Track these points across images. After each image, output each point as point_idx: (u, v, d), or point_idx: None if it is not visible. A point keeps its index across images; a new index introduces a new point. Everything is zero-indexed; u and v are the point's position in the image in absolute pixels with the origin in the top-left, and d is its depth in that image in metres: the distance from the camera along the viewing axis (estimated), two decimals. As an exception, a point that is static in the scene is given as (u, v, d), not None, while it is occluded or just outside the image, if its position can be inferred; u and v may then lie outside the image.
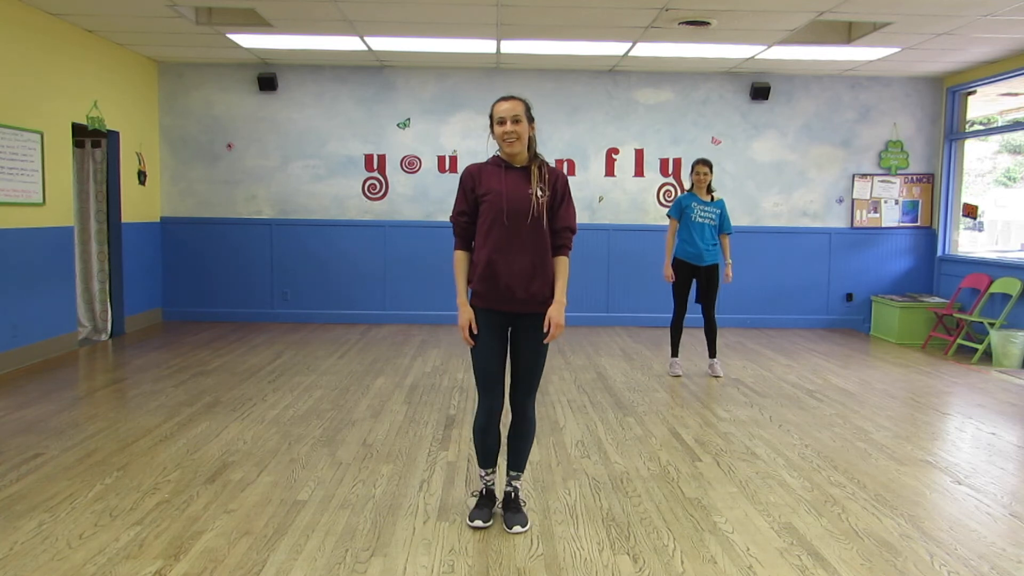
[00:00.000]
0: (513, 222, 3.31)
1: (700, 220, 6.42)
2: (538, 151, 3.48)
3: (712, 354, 6.66)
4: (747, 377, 6.66)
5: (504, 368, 3.46)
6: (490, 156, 3.51)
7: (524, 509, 3.52)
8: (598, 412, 5.45)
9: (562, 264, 3.43)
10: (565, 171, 9.18)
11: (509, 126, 3.35)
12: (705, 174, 6.44)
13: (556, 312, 3.36)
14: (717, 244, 6.50)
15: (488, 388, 3.42)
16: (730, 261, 6.60)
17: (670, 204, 9.05)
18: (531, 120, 3.43)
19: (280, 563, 3.07)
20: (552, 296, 3.39)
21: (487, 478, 3.53)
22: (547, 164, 3.47)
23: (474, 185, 3.41)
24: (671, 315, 6.64)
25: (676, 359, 6.72)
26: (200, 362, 6.89)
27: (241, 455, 4.37)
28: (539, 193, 3.35)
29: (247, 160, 9.18)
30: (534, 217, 3.32)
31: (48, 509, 3.56)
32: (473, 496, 3.67)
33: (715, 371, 6.64)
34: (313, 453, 4.43)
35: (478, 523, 3.43)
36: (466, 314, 3.39)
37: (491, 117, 3.43)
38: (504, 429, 3.53)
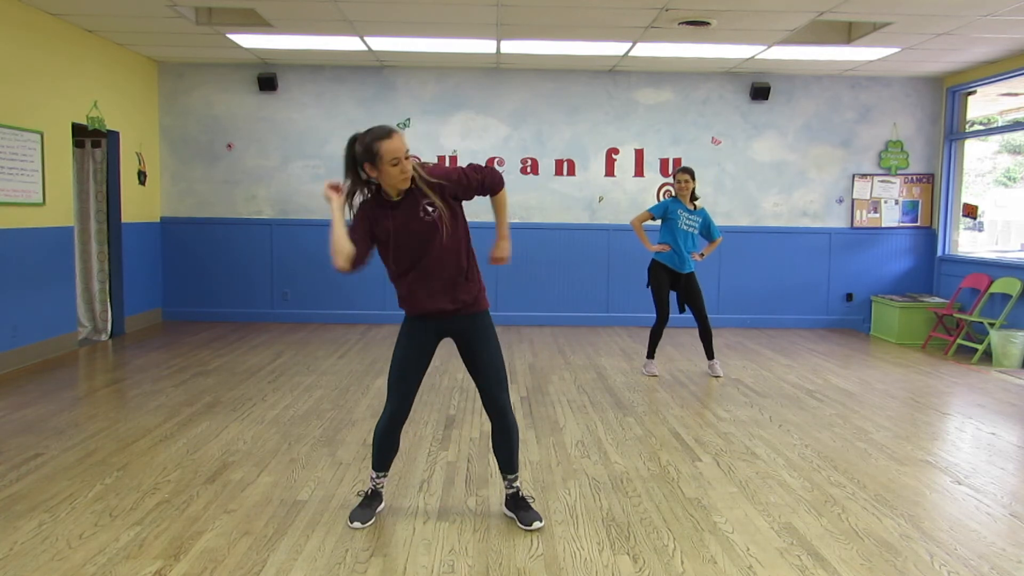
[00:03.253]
0: (426, 255, 3.23)
1: (685, 228, 6.43)
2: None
3: (710, 356, 6.66)
4: (747, 377, 6.66)
5: (419, 381, 3.43)
6: (360, 201, 3.24)
7: (533, 505, 3.52)
8: (598, 412, 5.45)
9: (498, 200, 3.39)
10: (565, 171, 9.18)
11: (405, 162, 3.12)
12: (687, 182, 6.41)
13: (501, 249, 3.39)
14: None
15: (398, 394, 3.39)
16: (707, 252, 6.64)
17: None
18: None
19: (280, 563, 3.07)
20: (481, 292, 3.38)
21: (377, 480, 3.52)
22: (419, 173, 3.21)
23: (372, 224, 3.24)
24: (654, 318, 6.63)
25: (652, 360, 6.75)
26: (200, 362, 6.89)
27: (241, 455, 4.37)
28: (431, 210, 3.19)
29: (247, 160, 9.18)
30: (442, 236, 3.21)
31: (48, 509, 3.56)
32: (359, 496, 3.61)
33: (715, 371, 6.64)
34: (313, 453, 4.43)
35: (357, 524, 3.41)
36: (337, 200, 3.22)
37: (374, 155, 3.09)
38: (486, 437, 3.52)
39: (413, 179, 3.20)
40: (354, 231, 3.21)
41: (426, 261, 3.25)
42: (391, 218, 3.23)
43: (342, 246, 3.14)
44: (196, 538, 3.27)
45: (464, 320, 3.36)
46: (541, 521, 3.42)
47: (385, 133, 3.12)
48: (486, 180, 3.34)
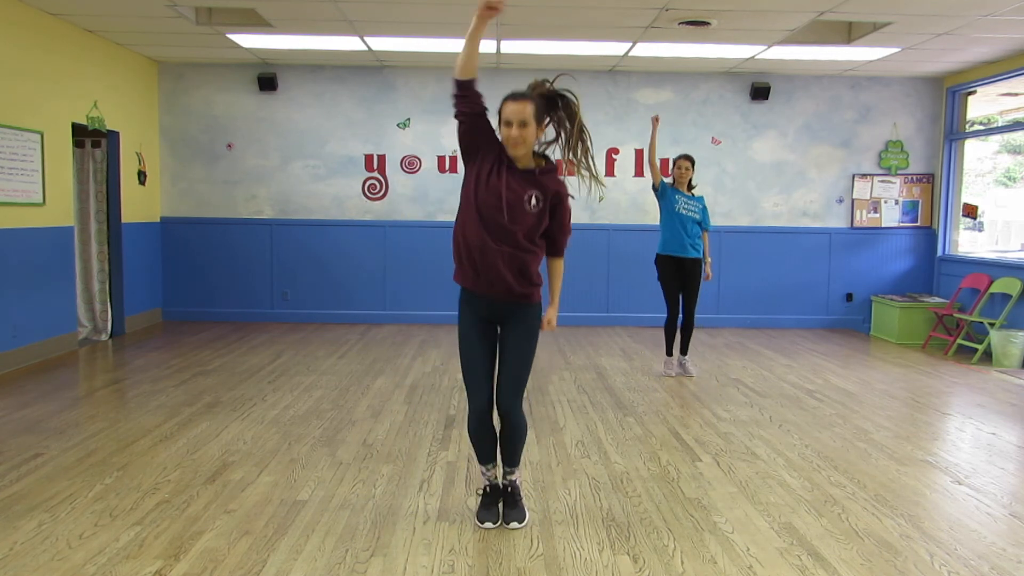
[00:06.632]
0: (509, 220, 3.21)
1: (684, 212, 6.36)
2: (542, 151, 3.36)
3: (683, 351, 6.59)
4: (747, 377, 6.66)
5: (490, 367, 3.38)
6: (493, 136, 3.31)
7: (523, 503, 3.49)
8: (598, 412, 5.45)
9: (556, 267, 3.46)
10: (565, 171, 9.16)
11: (515, 130, 3.19)
12: (687, 168, 6.39)
13: (552, 314, 3.44)
14: (700, 239, 6.45)
15: (468, 388, 3.38)
16: (710, 260, 6.57)
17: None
18: (541, 121, 3.26)
19: (280, 563, 3.07)
20: (535, 292, 3.34)
21: (488, 474, 3.49)
22: (551, 171, 3.34)
23: (487, 145, 3.27)
24: (665, 315, 6.61)
25: (671, 358, 6.69)
26: (200, 362, 6.89)
27: (241, 455, 4.37)
28: (533, 203, 3.25)
29: (247, 160, 9.18)
30: (524, 226, 3.24)
31: (48, 509, 3.56)
32: (478, 494, 3.60)
33: (687, 370, 6.57)
34: (313, 453, 4.43)
35: (488, 524, 3.40)
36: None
37: (499, 113, 3.23)
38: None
39: (540, 169, 3.28)
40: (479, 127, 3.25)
41: (504, 238, 3.21)
42: (504, 177, 3.21)
43: (465, 60, 3.21)
44: (196, 538, 3.27)
45: (516, 307, 3.32)
46: (521, 522, 3.41)
47: (511, 96, 3.25)
48: (561, 234, 3.41)
